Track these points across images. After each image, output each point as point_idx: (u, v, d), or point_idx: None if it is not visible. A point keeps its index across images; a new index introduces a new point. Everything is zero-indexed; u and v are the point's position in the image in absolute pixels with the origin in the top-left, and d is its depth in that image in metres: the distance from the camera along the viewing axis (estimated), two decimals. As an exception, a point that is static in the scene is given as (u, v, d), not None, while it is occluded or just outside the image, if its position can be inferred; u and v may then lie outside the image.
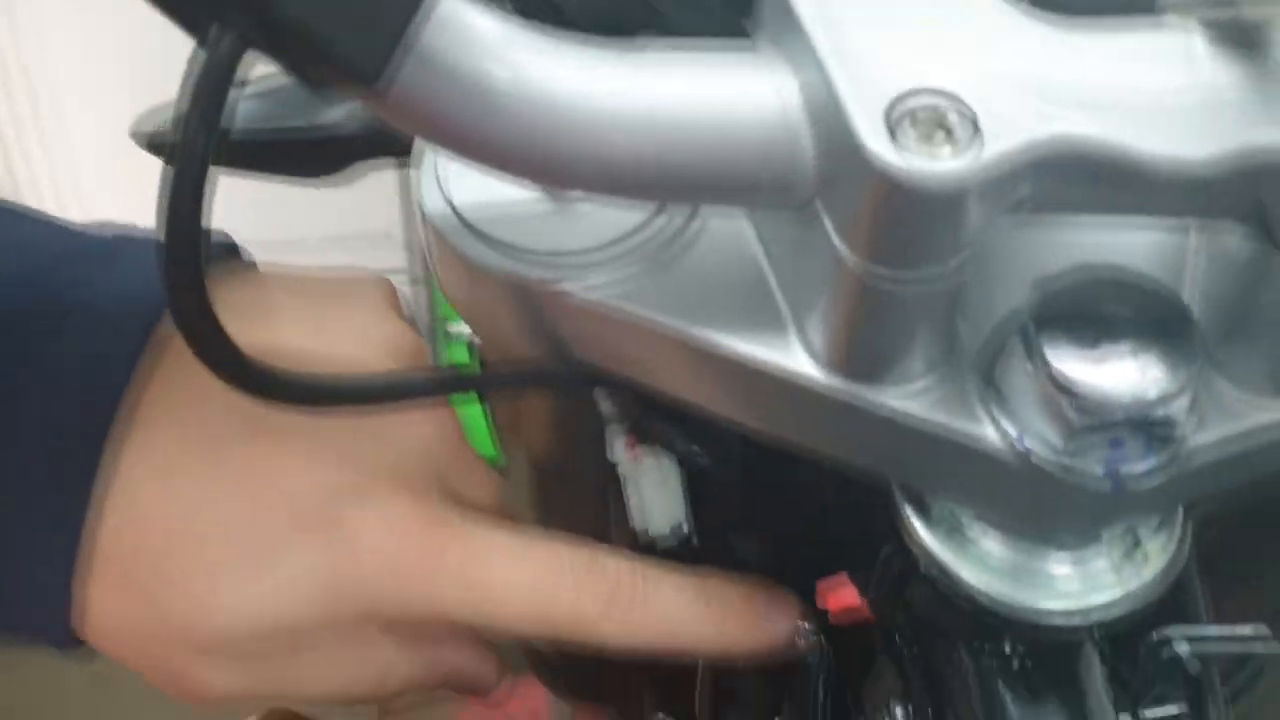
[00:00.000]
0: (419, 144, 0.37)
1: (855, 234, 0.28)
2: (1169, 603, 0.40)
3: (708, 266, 0.34)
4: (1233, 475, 0.33)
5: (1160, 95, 0.27)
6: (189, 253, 0.28)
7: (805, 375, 0.32)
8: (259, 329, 0.41)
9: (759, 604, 0.40)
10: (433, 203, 0.35)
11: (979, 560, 0.34)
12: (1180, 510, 0.35)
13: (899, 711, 0.40)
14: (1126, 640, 0.39)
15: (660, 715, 0.57)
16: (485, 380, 0.36)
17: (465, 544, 0.38)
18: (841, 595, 0.40)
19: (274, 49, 0.25)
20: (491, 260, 0.34)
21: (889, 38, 0.28)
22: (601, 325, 0.34)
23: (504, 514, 0.41)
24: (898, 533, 0.36)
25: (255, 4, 0.24)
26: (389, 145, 0.46)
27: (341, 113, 0.46)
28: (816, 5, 0.28)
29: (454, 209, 0.35)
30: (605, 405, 0.41)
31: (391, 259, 2.68)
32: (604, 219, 0.35)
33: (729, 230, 0.35)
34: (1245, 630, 0.40)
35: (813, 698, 0.42)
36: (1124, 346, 0.30)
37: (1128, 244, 0.33)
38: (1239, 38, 0.27)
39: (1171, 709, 0.41)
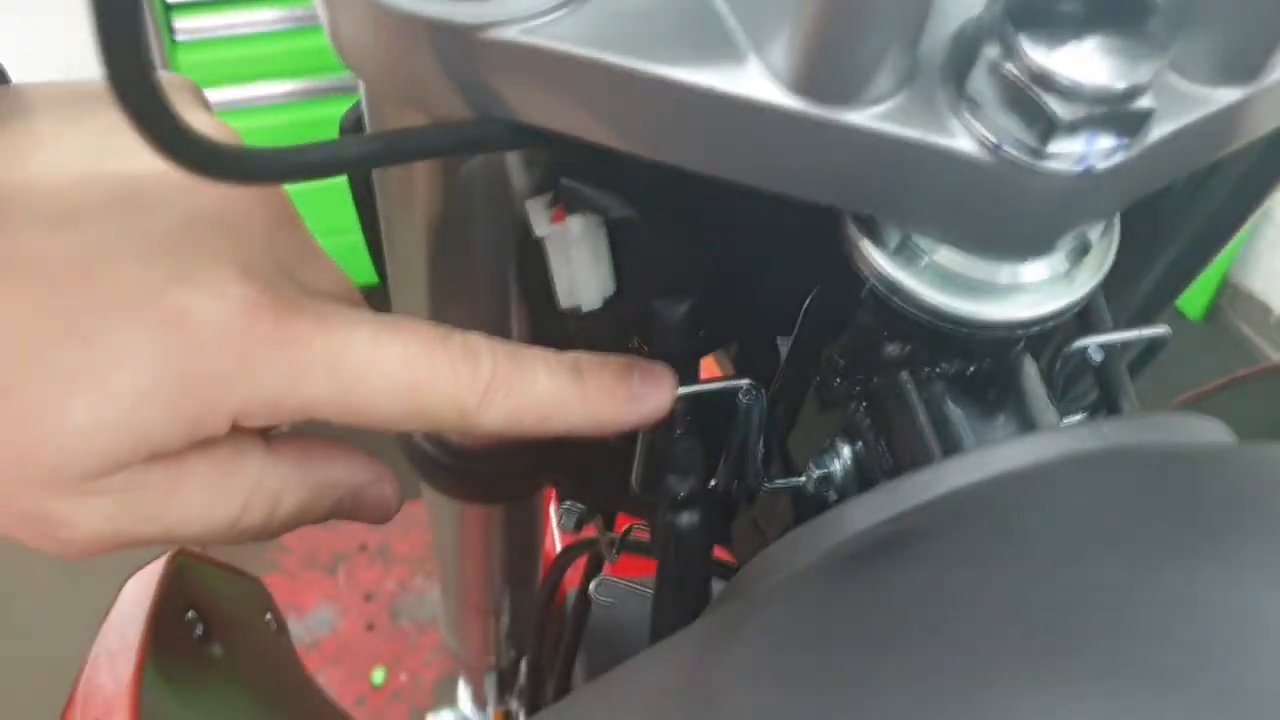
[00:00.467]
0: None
1: None
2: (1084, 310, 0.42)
3: (646, 4, 0.32)
4: (1176, 165, 0.34)
5: None
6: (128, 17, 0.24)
7: (768, 101, 0.31)
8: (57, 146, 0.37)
9: (633, 380, 0.40)
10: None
11: (931, 276, 0.34)
12: (1117, 217, 0.36)
13: (846, 450, 0.41)
14: (1045, 351, 0.41)
15: (566, 504, 0.56)
16: (421, 145, 0.32)
17: (326, 329, 0.35)
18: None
19: None
20: (417, 4, 0.31)
21: None
22: (541, 72, 0.31)
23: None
24: (844, 262, 0.36)
25: None
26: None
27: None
28: None
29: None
30: (522, 178, 0.38)
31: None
32: None
33: None
34: (1148, 332, 0.42)
35: (750, 447, 0.42)
36: (1096, 42, 0.29)
37: None
38: None
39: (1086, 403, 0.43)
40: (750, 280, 0.42)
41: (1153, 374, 0.46)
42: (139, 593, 0.49)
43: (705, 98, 0.31)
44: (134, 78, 0.25)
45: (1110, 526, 0.28)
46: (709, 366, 0.47)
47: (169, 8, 1.98)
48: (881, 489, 0.33)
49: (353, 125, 0.42)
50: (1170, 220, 0.48)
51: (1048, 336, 0.41)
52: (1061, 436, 0.33)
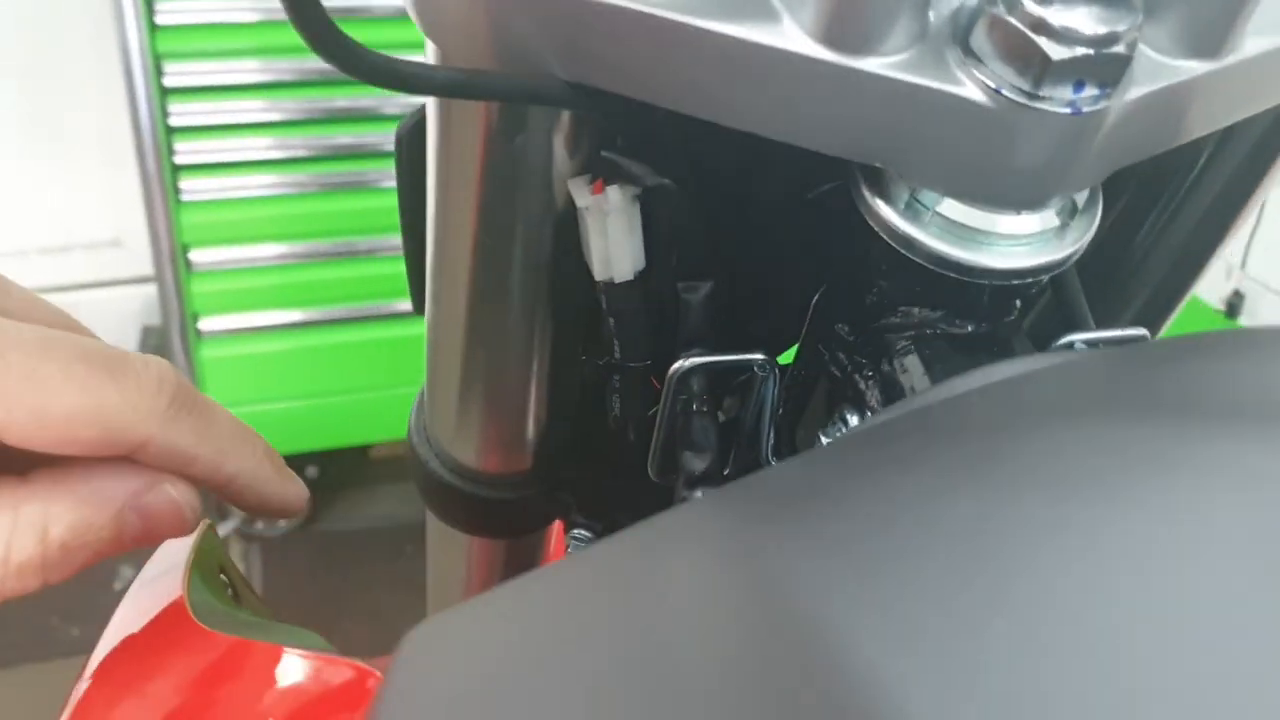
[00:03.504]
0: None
1: None
2: (1059, 313, 0.46)
3: None
4: (1152, 136, 0.39)
5: None
6: None
7: (800, 52, 0.35)
8: None
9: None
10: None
11: (935, 228, 0.38)
12: (1099, 191, 0.41)
13: (854, 420, 0.44)
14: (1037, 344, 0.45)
15: (576, 532, 0.58)
16: (492, 86, 0.37)
17: None
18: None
19: None
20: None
21: None
22: (590, 27, 0.36)
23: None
24: (850, 234, 0.40)
25: None
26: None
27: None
28: None
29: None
30: (562, 150, 0.43)
31: (118, 268, 2.53)
32: None
33: None
34: (1129, 332, 0.46)
35: (765, 422, 0.45)
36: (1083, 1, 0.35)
37: None
38: None
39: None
40: (766, 273, 0.46)
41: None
42: (174, 549, 0.50)
43: (744, 48, 0.35)
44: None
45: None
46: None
47: (177, 170, 2.06)
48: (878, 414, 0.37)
49: (409, 132, 0.47)
50: (1172, 208, 0.53)
51: (1032, 335, 0.45)
52: (1042, 357, 0.37)
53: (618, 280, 0.44)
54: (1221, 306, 2.57)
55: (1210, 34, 0.37)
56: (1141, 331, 0.47)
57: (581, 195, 0.42)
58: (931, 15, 0.36)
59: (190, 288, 2.12)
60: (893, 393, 0.42)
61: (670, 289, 0.45)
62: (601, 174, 0.42)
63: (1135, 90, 0.36)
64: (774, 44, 0.35)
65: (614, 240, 0.43)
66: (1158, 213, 0.53)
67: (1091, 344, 0.46)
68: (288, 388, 2.28)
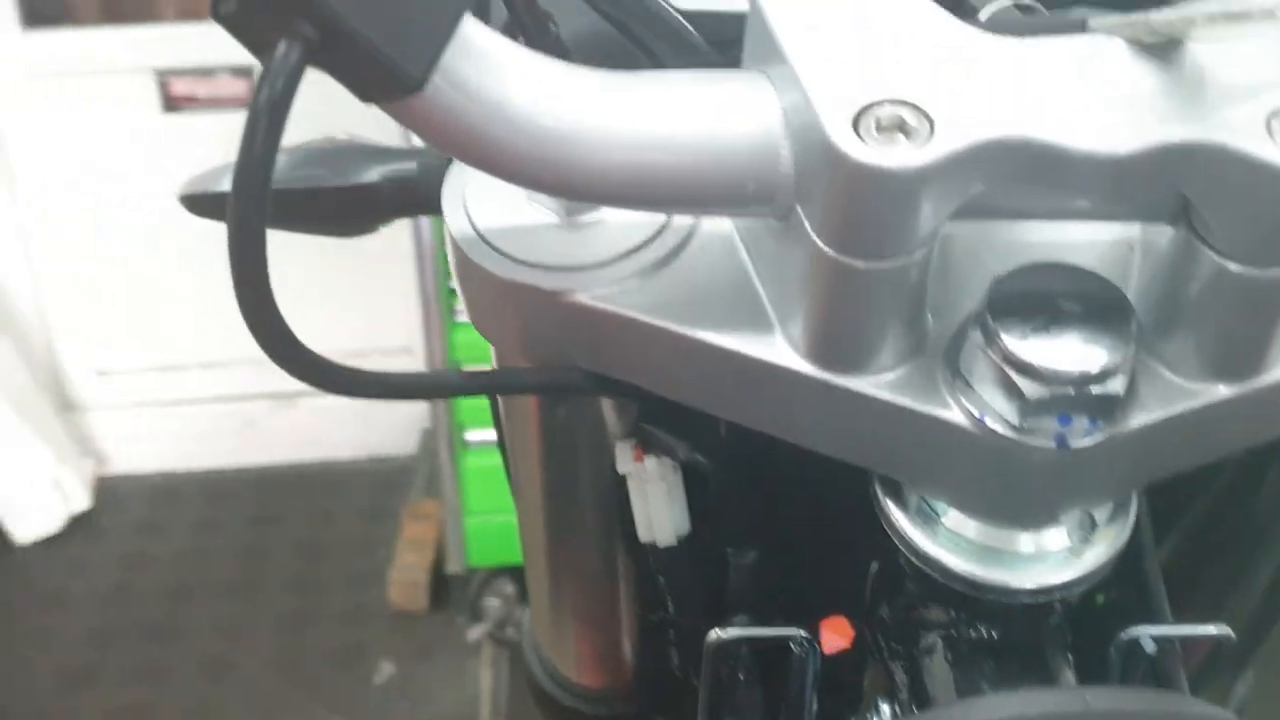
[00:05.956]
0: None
1: (830, 229, 0.32)
2: (1136, 603, 0.43)
3: (702, 274, 0.38)
4: (1174, 457, 0.36)
5: (1089, 98, 0.31)
6: (257, 264, 0.32)
7: (789, 367, 0.36)
8: None
9: None
10: (457, 223, 0.40)
11: (952, 543, 0.37)
12: (1135, 500, 0.39)
13: (885, 708, 0.43)
14: (1095, 636, 0.43)
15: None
16: (508, 382, 0.39)
17: None
18: (833, 639, 0.43)
19: (333, 61, 0.30)
20: (508, 271, 0.38)
21: (856, 54, 0.32)
22: (606, 331, 0.38)
23: None
24: (880, 528, 0.39)
25: (323, 19, 0.28)
26: (418, 204, 0.51)
27: (375, 173, 0.51)
28: (792, 29, 0.33)
29: (475, 228, 0.39)
30: (611, 418, 0.44)
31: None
32: (608, 235, 0.39)
33: (721, 242, 0.39)
34: (1207, 629, 0.43)
35: (805, 702, 0.45)
36: (1069, 330, 0.34)
37: (1078, 246, 0.37)
38: (1156, 50, 0.32)
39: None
40: (812, 544, 0.46)
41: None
42: None
43: (737, 360, 0.37)
44: (263, 317, 0.33)
45: None
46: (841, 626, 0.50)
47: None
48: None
49: None
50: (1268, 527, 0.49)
51: (1102, 621, 0.43)
52: (1049, 696, 0.35)
53: (660, 544, 0.45)
54: None
55: (1238, 356, 0.35)
56: (1224, 631, 0.43)
57: (623, 461, 0.44)
58: (931, 326, 0.36)
59: (458, 400, 2.26)
60: (920, 692, 0.41)
61: (717, 553, 0.45)
62: (641, 441, 0.44)
63: (1144, 416, 0.35)
64: (764, 358, 0.36)
65: (654, 506, 0.44)
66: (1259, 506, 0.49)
67: (1162, 640, 0.43)
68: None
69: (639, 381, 0.39)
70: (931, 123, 0.31)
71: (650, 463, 0.44)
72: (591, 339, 0.39)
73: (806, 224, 0.33)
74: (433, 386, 0.38)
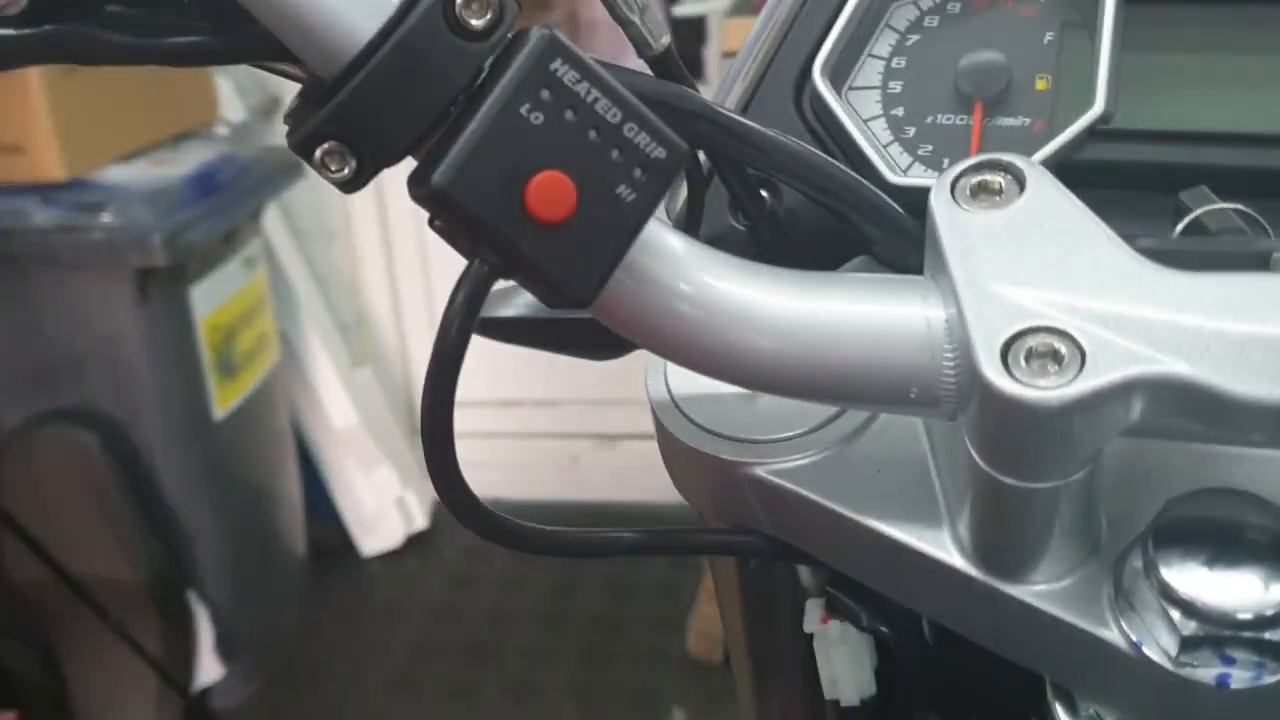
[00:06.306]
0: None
1: (984, 448, 0.32)
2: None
3: (880, 459, 0.39)
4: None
5: (1255, 341, 0.30)
6: (444, 426, 0.35)
7: (954, 566, 0.36)
8: None
9: None
10: (656, 391, 0.42)
11: None
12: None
13: None
14: None
15: None
16: (686, 543, 0.42)
17: None
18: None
19: (515, 278, 0.33)
20: (697, 440, 0.40)
21: (1018, 277, 0.32)
22: (784, 504, 0.39)
23: None
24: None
25: (505, 250, 0.32)
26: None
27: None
28: (961, 246, 0.33)
29: (672, 397, 0.42)
30: (806, 578, 0.46)
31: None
32: (795, 411, 0.40)
33: (904, 427, 0.39)
34: None
35: None
36: (1236, 566, 0.32)
37: (1269, 468, 0.35)
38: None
39: None
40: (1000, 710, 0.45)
41: None
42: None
43: (906, 551, 0.37)
44: (449, 479, 0.36)
45: None
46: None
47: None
48: None
49: None
50: None
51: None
52: None
53: (843, 704, 0.45)
54: None
55: None
56: None
57: (810, 621, 0.45)
58: (1105, 535, 0.35)
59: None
60: None
61: (903, 717, 0.45)
62: (829, 605, 0.45)
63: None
64: (931, 553, 0.37)
65: (838, 667, 0.45)
66: None
67: None
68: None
69: (816, 553, 0.40)
70: (1083, 354, 0.30)
71: (834, 626, 0.44)
72: (772, 508, 0.40)
73: (965, 435, 0.33)
74: (609, 545, 0.40)
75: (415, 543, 2.39)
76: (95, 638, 1.74)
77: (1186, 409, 0.30)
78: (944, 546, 0.36)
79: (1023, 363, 0.31)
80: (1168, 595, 0.32)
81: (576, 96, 0.31)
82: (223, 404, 1.88)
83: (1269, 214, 0.39)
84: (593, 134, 0.32)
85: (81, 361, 1.76)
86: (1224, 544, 0.32)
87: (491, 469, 2.49)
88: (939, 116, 0.45)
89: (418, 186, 0.31)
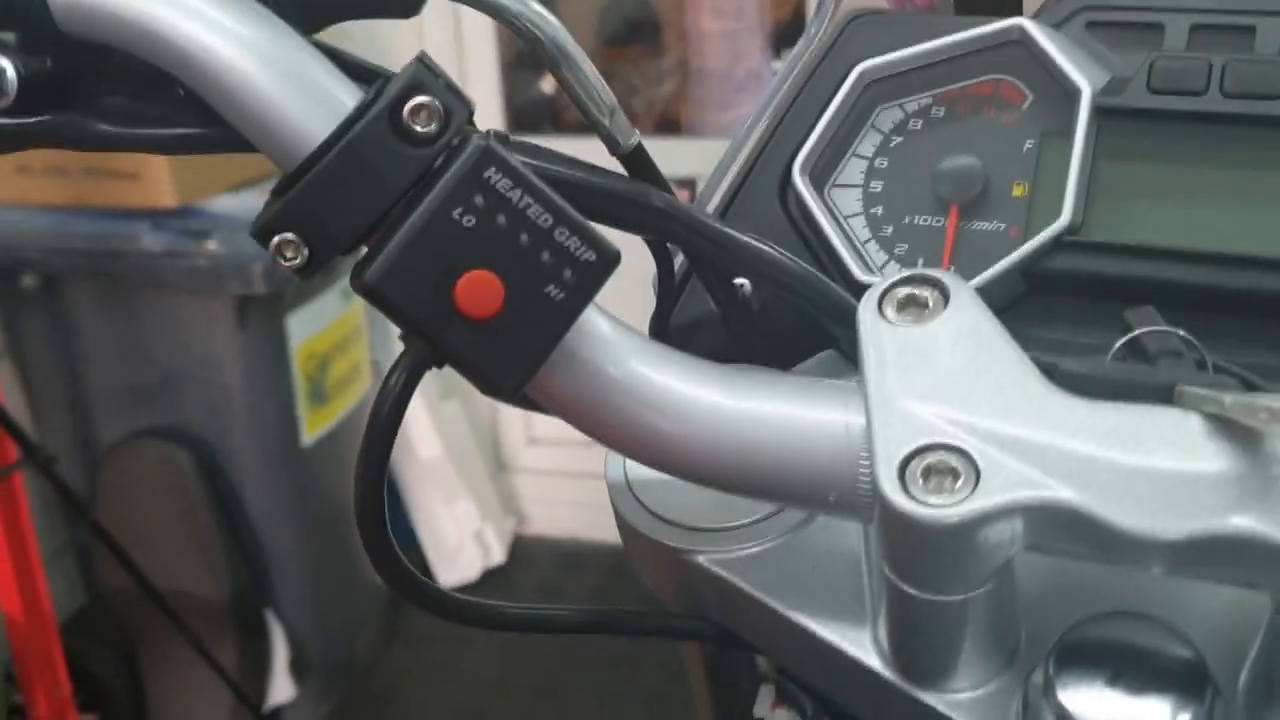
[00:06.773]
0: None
1: (890, 558, 0.33)
2: None
3: (818, 554, 0.40)
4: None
5: (1148, 473, 0.30)
6: (377, 499, 0.37)
7: (873, 669, 0.37)
8: None
9: None
10: (613, 473, 0.44)
11: None
12: None
13: None
14: None
15: None
16: (632, 625, 0.43)
17: None
18: None
19: (448, 362, 0.35)
20: (648, 525, 0.42)
21: (926, 393, 0.33)
22: (724, 593, 0.40)
23: None
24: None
25: (436, 343, 0.33)
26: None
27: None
28: (877, 357, 0.34)
29: (627, 480, 0.43)
30: (760, 662, 0.46)
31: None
32: (744, 500, 0.41)
33: (844, 524, 0.40)
34: None
35: None
36: (1140, 692, 0.32)
37: (1196, 590, 0.35)
38: (1235, 435, 0.30)
39: None
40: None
41: None
42: None
43: (827, 649, 0.38)
44: (382, 550, 0.38)
45: None
46: None
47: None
48: None
49: None
50: None
51: None
52: None
53: (793, 790, 0.46)
54: None
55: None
56: None
57: (761, 706, 0.46)
58: (1023, 645, 0.36)
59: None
60: None
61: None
62: (778, 691, 0.45)
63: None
64: (851, 653, 0.37)
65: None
66: None
67: None
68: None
69: (753, 641, 0.41)
70: (978, 474, 0.31)
71: (782, 714, 0.45)
72: (716, 595, 0.42)
73: (874, 543, 0.34)
74: (547, 621, 0.41)
75: (491, 576, 2.43)
76: (175, 650, 1.80)
77: (1075, 535, 0.31)
78: (865, 648, 0.37)
79: (919, 479, 0.31)
80: (1062, 716, 0.32)
81: (509, 202, 0.33)
82: (312, 430, 1.94)
83: (1222, 332, 0.39)
84: (524, 237, 0.33)
85: (179, 382, 1.84)
86: (1127, 668, 0.33)
87: (571, 509, 2.51)
88: (916, 217, 0.46)
89: (355, 279, 0.33)
